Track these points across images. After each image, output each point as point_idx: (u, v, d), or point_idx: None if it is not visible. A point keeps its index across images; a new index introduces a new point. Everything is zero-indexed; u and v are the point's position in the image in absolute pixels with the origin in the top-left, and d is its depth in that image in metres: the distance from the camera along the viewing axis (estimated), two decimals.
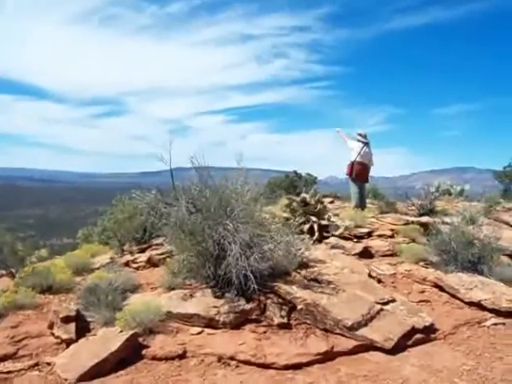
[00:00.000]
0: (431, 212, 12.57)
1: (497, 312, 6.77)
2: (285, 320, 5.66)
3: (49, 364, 4.95)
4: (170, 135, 6.35)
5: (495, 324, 6.58)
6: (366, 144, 12.40)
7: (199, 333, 5.40)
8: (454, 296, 7.12)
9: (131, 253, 9.09)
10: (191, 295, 5.92)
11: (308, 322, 5.70)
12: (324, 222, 8.98)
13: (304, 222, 8.76)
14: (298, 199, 9.15)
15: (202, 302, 5.75)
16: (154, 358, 5.00)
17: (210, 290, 6.00)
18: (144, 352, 5.07)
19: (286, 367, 4.97)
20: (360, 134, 12.54)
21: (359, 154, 12.34)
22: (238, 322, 5.57)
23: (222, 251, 5.80)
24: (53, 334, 5.46)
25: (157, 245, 9.05)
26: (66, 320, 5.47)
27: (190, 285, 6.30)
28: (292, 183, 22.55)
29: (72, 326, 5.42)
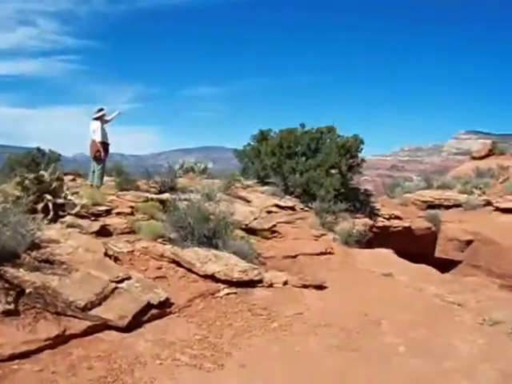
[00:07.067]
0: (172, 189, 12.86)
1: (229, 283, 7.23)
2: (11, 306, 5.25)
3: None
4: None
5: (228, 294, 7.02)
6: (97, 119, 12.04)
7: None
8: (190, 270, 7.40)
9: None
10: None
11: (38, 306, 5.40)
12: (60, 201, 8.60)
13: (38, 201, 8.28)
14: (31, 176, 8.59)
15: None
16: None
17: None
18: None
19: (12, 357, 4.63)
20: None
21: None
22: None
23: None
24: None
25: None
26: None
27: None
28: (34, 160, 21.40)
29: None
